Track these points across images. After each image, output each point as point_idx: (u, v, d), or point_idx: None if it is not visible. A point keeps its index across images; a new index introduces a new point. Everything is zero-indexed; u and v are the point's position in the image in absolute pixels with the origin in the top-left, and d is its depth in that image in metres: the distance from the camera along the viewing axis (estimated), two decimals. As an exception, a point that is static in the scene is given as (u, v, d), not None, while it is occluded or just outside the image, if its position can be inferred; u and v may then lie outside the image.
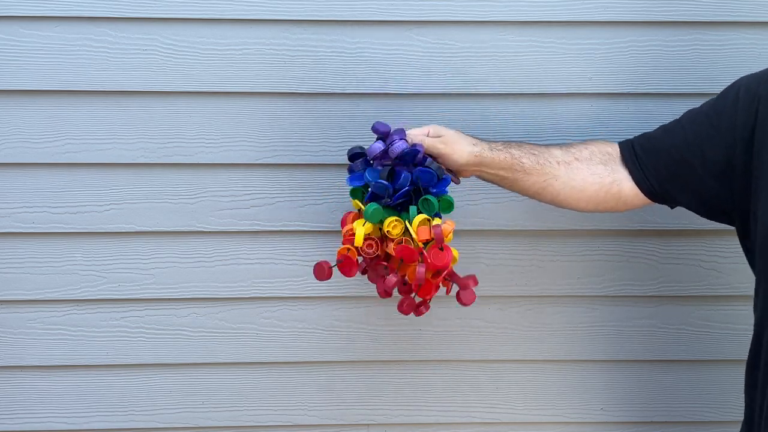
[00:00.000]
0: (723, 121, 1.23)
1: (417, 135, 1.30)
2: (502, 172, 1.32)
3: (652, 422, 1.69)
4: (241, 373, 1.64)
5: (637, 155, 1.31)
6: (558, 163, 1.31)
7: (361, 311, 1.63)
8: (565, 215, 1.60)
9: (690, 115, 1.29)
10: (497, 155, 1.31)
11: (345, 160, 1.56)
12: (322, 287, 1.61)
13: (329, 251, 1.60)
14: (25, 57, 1.51)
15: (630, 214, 1.60)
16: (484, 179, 1.37)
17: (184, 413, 1.65)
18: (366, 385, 1.66)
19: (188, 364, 1.63)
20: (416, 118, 1.51)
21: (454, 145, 1.30)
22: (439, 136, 1.31)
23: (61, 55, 1.51)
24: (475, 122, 1.56)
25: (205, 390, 1.65)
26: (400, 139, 1.27)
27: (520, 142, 1.36)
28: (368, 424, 1.68)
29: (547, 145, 1.34)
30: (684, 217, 1.61)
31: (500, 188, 1.58)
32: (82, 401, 1.64)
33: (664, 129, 1.31)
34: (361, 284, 1.61)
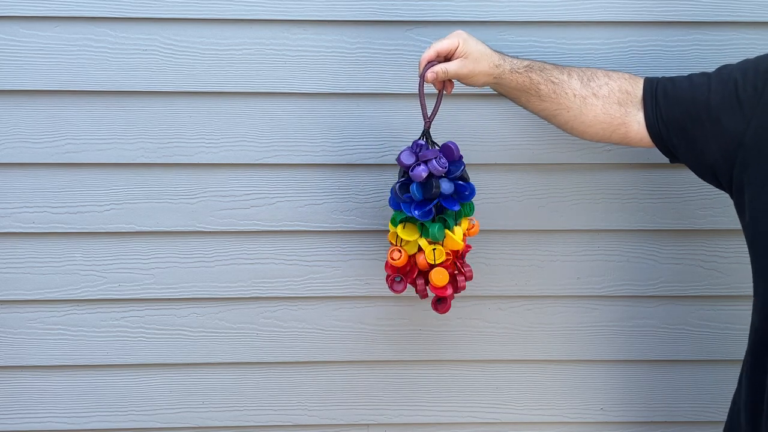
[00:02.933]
0: (748, 93, 1.21)
1: (444, 48, 1.32)
2: (516, 92, 1.36)
3: (652, 422, 1.69)
4: (241, 373, 1.64)
5: (657, 99, 1.30)
6: (574, 96, 1.32)
7: (361, 311, 1.63)
8: (564, 215, 1.60)
9: (721, 75, 1.26)
10: (516, 78, 1.33)
11: (344, 160, 1.57)
12: (322, 287, 1.61)
13: (329, 251, 1.60)
14: (25, 57, 1.51)
15: (630, 214, 1.60)
16: (497, 92, 1.39)
17: (184, 413, 1.65)
18: (366, 385, 1.66)
19: (188, 364, 1.63)
20: (416, 118, 1.50)
21: (475, 68, 1.33)
22: (464, 55, 1.32)
23: (61, 55, 1.51)
24: (476, 122, 1.57)
25: (205, 390, 1.65)
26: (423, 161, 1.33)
27: (546, 64, 1.36)
28: (368, 424, 1.68)
29: (570, 71, 1.34)
30: (684, 217, 1.61)
31: (500, 189, 1.59)
32: (82, 401, 1.64)
33: (692, 82, 1.29)
34: (361, 284, 1.61)
